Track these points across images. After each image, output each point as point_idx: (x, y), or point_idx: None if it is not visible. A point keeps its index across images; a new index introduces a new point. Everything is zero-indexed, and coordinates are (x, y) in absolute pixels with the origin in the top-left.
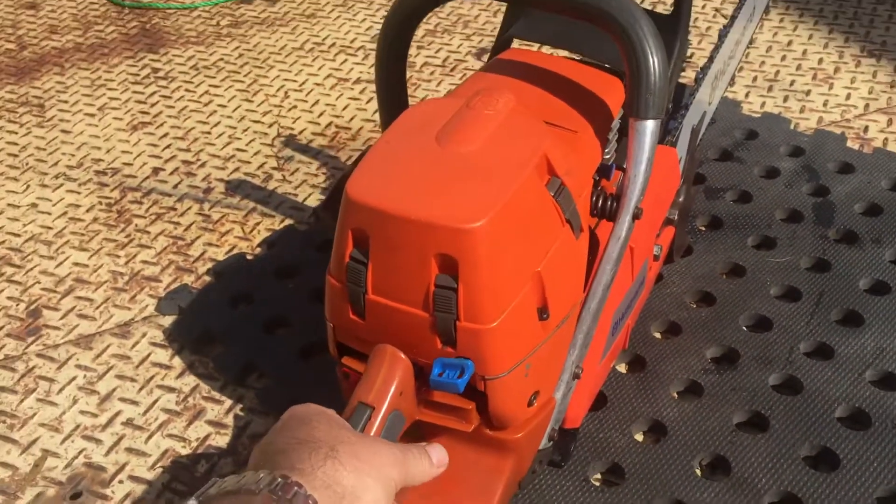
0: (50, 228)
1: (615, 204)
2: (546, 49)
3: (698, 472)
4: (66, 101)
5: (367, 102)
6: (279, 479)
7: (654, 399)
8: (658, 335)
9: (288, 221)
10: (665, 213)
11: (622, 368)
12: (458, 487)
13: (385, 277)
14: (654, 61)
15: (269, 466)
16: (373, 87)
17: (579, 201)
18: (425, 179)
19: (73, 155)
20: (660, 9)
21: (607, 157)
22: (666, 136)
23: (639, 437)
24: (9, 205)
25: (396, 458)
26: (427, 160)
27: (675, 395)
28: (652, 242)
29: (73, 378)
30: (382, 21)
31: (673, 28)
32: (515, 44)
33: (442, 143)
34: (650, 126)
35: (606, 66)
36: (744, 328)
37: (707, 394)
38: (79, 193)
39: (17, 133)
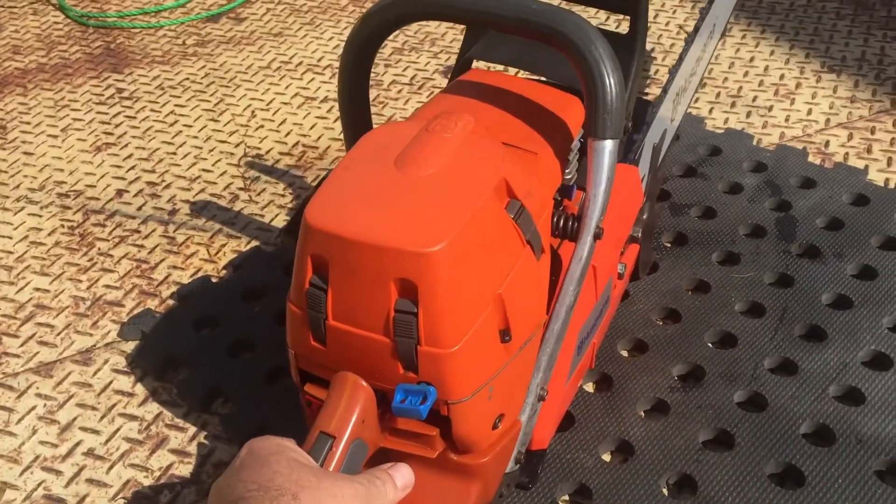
0: (10, 253)
1: (576, 224)
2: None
3: (665, 491)
4: (28, 123)
5: (335, 121)
6: None
7: (622, 418)
8: (625, 353)
9: (254, 243)
10: (629, 231)
11: (589, 387)
12: None
13: (345, 303)
14: (610, 82)
15: None
16: None
17: (540, 222)
18: (384, 204)
19: (35, 177)
20: (624, 27)
21: (568, 177)
22: (627, 154)
23: (606, 457)
24: None
25: (359, 494)
26: (386, 185)
27: (642, 413)
28: (616, 261)
29: (33, 407)
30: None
31: (630, 47)
32: (479, 65)
33: (401, 168)
34: (608, 146)
35: (566, 85)
36: (709, 345)
37: (673, 412)
38: (40, 216)
39: None
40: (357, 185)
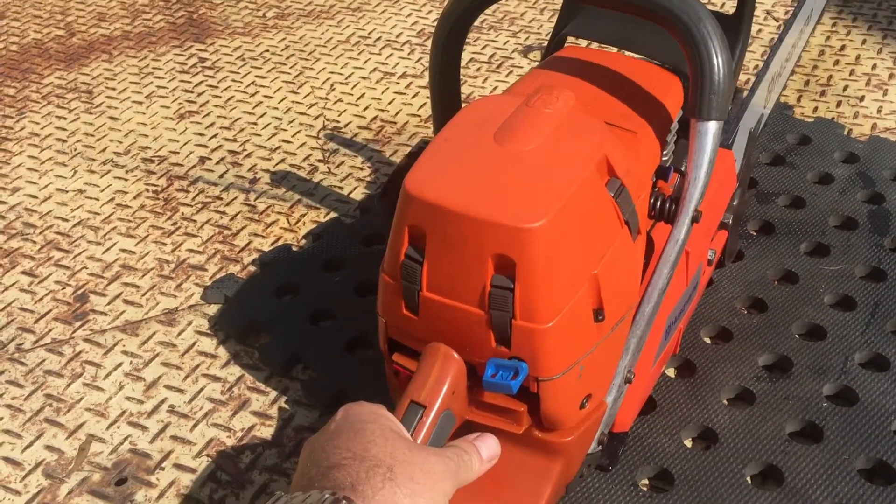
0: (97, 214)
1: (674, 206)
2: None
3: (749, 480)
4: (113, 89)
5: (413, 97)
6: (343, 502)
7: (705, 405)
8: (708, 340)
9: (333, 214)
10: (720, 217)
11: (671, 373)
12: (506, 489)
13: (441, 275)
14: (718, 61)
15: (326, 483)
16: (419, 81)
17: (638, 203)
18: (484, 177)
19: (120, 142)
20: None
21: (665, 158)
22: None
23: (688, 443)
24: (57, 189)
25: (449, 469)
26: (486, 158)
27: (726, 401)
28: (707, 246)
29: (120, 364)
30: (437, 19)
31: (735, 28)
32: (569, 42)
33: (501, 142)
34: (713, 127)
35: (664, 64)
36: (796, 336)
37: (759, 402)
38: (126, 180)
39: (65, 119)
40: (457, 156)
